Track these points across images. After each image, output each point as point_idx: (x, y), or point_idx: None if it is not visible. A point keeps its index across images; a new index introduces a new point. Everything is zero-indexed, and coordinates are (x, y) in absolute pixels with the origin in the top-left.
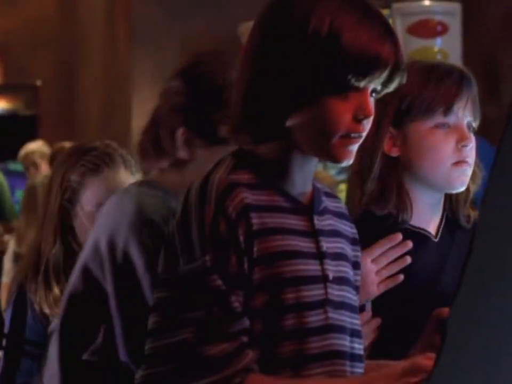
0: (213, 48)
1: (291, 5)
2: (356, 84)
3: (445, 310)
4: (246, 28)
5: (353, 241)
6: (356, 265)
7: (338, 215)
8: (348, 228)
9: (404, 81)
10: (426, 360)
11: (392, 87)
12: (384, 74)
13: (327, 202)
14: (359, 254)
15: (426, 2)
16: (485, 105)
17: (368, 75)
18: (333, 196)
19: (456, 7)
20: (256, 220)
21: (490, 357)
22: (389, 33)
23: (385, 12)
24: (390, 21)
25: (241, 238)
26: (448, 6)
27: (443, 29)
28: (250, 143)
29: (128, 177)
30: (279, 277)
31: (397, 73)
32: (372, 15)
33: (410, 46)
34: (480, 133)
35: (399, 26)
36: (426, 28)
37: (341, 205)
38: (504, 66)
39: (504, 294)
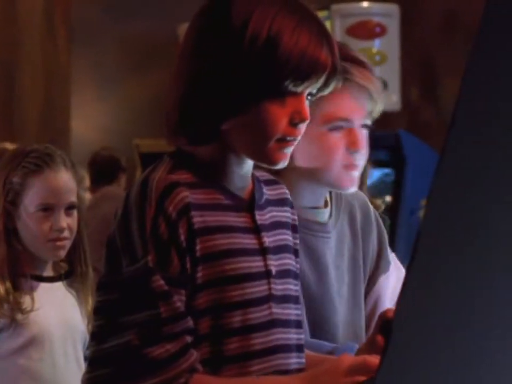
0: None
1: (230, 7)
2: (294, 89)
3: (391, 310)
4: (185, 30)
5: (293, 228)
6: (296, 253)
7: (280, 202)
8: (289, 215)
9: (340, 85)
10: (376, 359)
11: (327, 91)
12: (322, 79)
13: (268, 192)
14: (297, 241)
15: (365, 4)
16: (422, 106)
17: (306, 80)
18: (273, 182)
19: (395, 9)
20: (197, 218)
21: (435, 357)
22: (326, 38)
23: (324, 13)
24: (329, 22)
25: (182, 237)
26: (387, 7)
27: (381, 31)
28: (187, 145)
29: (69, 177)
30: (222, 275)
31: (334, 77)
32: (309, 20)
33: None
34: (417, 134)
35: (338, 28)
36: (364, 30)
37: (282, 190)
38: (441, 68)
39: (449, 295)
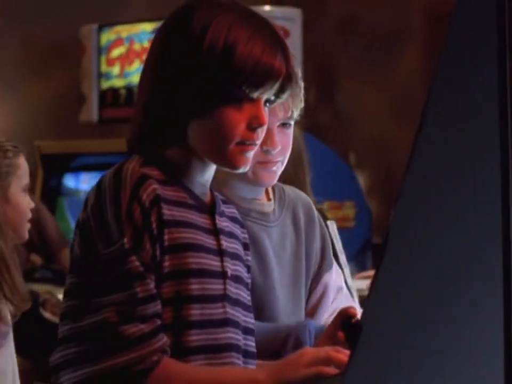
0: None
1: (191, 17)
2: (250, 95)
3: (351, 308)
4: (86, 31)
5: (245, 246)
6: (248, 268)
7: (233, 220)
8: (240, 233)
9: (296, 91)
10: (339, 353)
11: (284, 97)
12: (276, 86)
13: (223, 207)
14: (249, 258)
15: (267, 8)
16: (320, 108)
17: (261, 87)
18: (227, 202)
19: (297, 13)
20: (166, 211)
21: (405, 352)
22: (280, 46)
23: None
24: None
25: (154, 225)
26: (289, 11)
27: (284, 34)
28: (153, 151)
29: None
30: (185, 267)
31: (289, 84)
32: (264, 29)
33: None
34: (316, 135)
35: None
36: None
37: (234, 211)
38: (339, 71)
39: (418, 294)
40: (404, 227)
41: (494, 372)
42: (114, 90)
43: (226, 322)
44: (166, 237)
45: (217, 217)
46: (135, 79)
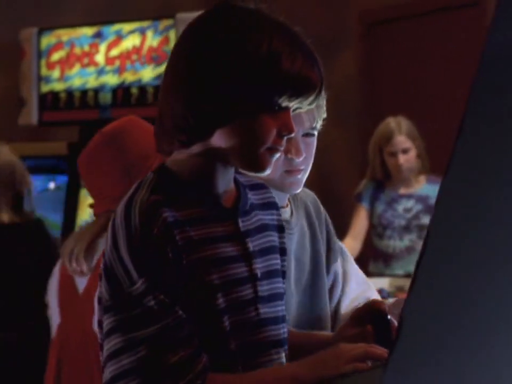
0: None
1: (227, 23)
2: (286, 104)
3: (379, 302)
4: (26, 35)
5: (279, 229)
6: (282, 252)
7: (265, 206)
8: (275, 217)
9: (322, 102)
10: (375, 349)
11: (309, 107)
12: (312, 97)
13: (253, 197)
14: (284, 240)
15: None
16: None
17: (300, 97)
18: (259, 187)
19: None
20: (180, 235)
21: (447, 348)
22: (315, 58)
23: (169, 21)
24: (174, 30)
25: (170, 254)
26: None
27: None
28: (180, 148)
29: None
30: (208, 284)
31: (320, 95)
32: (299, 39)
33: None
34: None
35: None
36: None
37: (268, 195)
38: None
39: (457, 290)
40: (444, 223)
41: None
42: (54, 94)
43: (261, 323)
44: (185, 261)
45: (240, 220)
46: (76, 82)
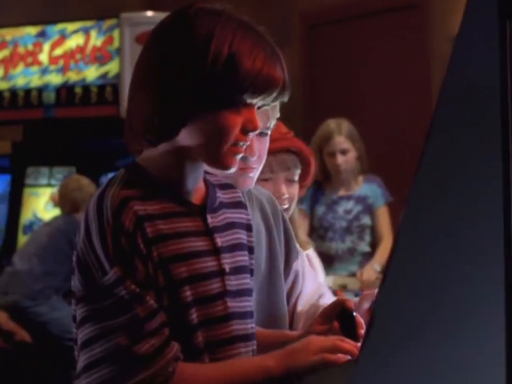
0: None
1: (192, 25)
2: (249, 101)
3: (348, 301)
4: None
5: (248, 228)
6: (250, 250)
7: (234, 205)
8: (243, 216)
9: (286, 99)
10: (344, 342)
11: (273, 104)
12: (275, 94)
13: (222, 196)
14: (253, 239)
15: (149, 13)
16: None
17: (262, 95)
18: (228, 186)
19: None
20: (150, 228)
21: (417, 342)
22: (277, 56)
23: (113, 21)
24: (118, 30)
25: (141, 246)
26: None
27: None
28: (148, 146)
29: None
30: (177, 277)
31: (283, 92)
32: (262, 39)
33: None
34: None
35: (127, 36)
36: None
37: (236, 195)
38: None
39: (426, 285)
40: (414, 220)
41: (495, 358)
42: None
43: (229, 316)
44: (154, 253)
45: (209, 217)
46: (19, 81)
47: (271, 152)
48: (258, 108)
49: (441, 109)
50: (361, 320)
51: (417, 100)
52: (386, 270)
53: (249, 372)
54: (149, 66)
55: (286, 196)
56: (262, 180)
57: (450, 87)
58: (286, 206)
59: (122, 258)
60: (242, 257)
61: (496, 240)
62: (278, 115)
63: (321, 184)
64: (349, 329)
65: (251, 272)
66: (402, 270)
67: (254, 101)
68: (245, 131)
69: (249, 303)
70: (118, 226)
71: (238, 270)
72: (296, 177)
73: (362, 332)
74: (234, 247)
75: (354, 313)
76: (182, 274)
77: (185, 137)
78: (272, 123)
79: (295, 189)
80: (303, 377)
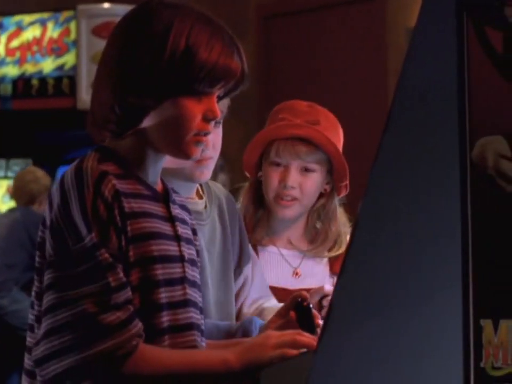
0: None
1: (152, 17)
2: (208, 90)
3: (303, 293)
4: None
5: (193, 231)
6: (197, 252)
7: (182, 207)
8: (189, 220)
9: (245, 88)
10: (303, 336)
11: (235, 93)
12: (232, 83)
13: (174, 195)
14: (198, 242)
15: (106, 5)
16: None
17: (219, 84)
18: (174, 191)
19: None
20: (126, 204)
21: (375, 330)
22: (236, 47)
23: (70, 13)
24: (75, 22)
25: (117, 218)
26: (129, 9)
27: None
28: (110, 138)
29: None
30: (149, 254)
31: (241, 82)
32: (221, 31)
33: (95, 47)
34: None
35: (84, 28)
36: (109, 30)
37: (182, 198)
38: None
39: (384, 278)
40: (372, 209)
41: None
42: None
43: (187, 303)
44: (129, 228)
45: (171, 205)
46: None
47: (282, 139)
48: (221, 97)
49: (398, 102)
50: (316, 313)
51: (374, 92)
52: (344, 259)
53: (210, 363)
54: (111, 58)
55: (291, 185)
56: (273, 163)
57: (407, 80)
58: (289, 198)
59: (100, 226)
60: (193, 252)
61: (453, 228)
62: (228, 103)
63: None
64: (305, 321)
65: (199, 268)
66: (360, 258)
67: (213, 89)
68: (206, 119)
69: (199, 297)
70: (98, 194)
71: (191, 261)
72: (313, 167)
73: (319, 321)
74: (188, 241)
75: (311, 305)
76: (152, 252)
77: (149, 128)
78: (225, 112)
79: (310, 180)
80: (262, 370)
